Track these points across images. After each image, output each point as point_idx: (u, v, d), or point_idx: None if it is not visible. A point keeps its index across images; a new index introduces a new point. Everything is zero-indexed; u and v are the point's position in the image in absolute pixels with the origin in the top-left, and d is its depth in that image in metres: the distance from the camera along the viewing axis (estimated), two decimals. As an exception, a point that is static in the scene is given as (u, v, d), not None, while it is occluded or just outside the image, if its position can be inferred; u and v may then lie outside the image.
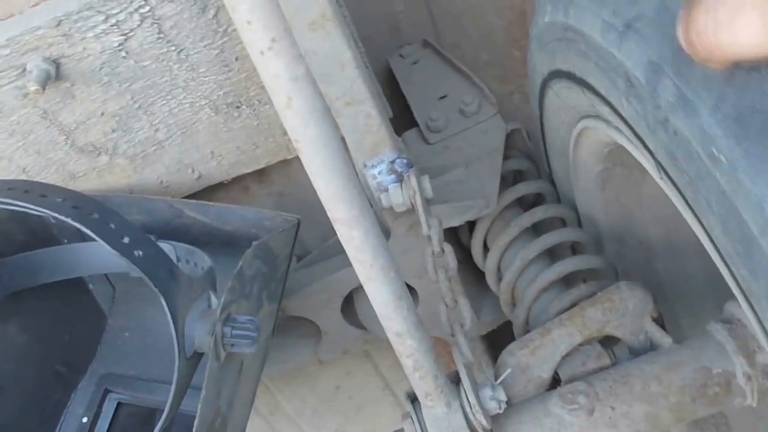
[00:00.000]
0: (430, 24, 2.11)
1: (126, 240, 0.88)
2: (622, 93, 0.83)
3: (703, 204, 0.74)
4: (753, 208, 0.62)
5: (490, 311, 1.56)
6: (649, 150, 0.83)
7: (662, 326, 1.18)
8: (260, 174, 1.44)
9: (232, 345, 0.94)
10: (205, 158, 1.32)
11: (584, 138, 1.18)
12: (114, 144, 1.27)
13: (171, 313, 0.89)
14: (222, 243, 1.27)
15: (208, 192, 1.42)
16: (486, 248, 1.49)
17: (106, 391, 1.34)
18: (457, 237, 1.57)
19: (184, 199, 1.28)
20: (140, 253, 0.89)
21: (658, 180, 0.87)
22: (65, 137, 1.24)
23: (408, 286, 1.51)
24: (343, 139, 1.22)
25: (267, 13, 0.74)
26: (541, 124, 1.37)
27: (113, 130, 1.25)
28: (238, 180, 1.42)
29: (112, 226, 0.88)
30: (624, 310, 1.16)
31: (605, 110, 0.93)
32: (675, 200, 0.84)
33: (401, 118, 1.74)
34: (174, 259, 1.22)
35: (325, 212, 0.87)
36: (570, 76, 1.02)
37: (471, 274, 1.58)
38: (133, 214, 1.30)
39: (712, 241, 0.78)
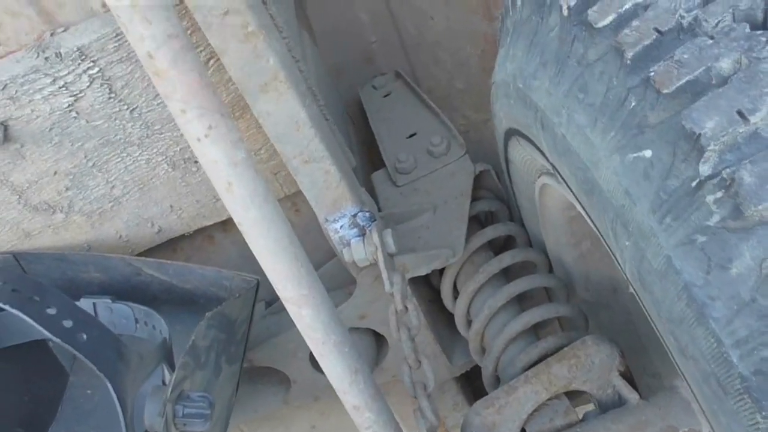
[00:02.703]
0: (403, 54, 2.09)
1: (68, 324, 0.85)
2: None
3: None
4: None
5: (462, 354, 1.54)
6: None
7: (630, 380, 1.17)
8: (224, 223, 1.41)
9: (185, 424, 0.92)
10: (164, 212, 1.30)
11: (547, 192, 1.16)
12: (69, 202, 1.24)
13: (118, 396, 0.86)
14: (182, 301, 1.24)
15: (172, 242, 1.40)
16: (456, 291, 1.47)
17: (68, 452, 1.31)
18: (428, 278, 1.55)
19: (143, 258, 1.26)
20: (84, 336, 0.86)
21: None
22: (18, 197, 1.21)
23: (377, 333, 1.50)
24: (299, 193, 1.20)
25: (201, 101, 0.72)
26: (508, 170, 1.35)
27: (67, 189, 1.22)
28: (201, 229, 1.40)
29: (53, 310, 0.85)
30: (590, 365, 1.14)
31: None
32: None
33: (375, 149, 1.72)
34: (132, 320, 1.20)
35: None
36: (523, 135, 1.00)
37: (443, 315, 1.56)
38: (91, 272, 1.27)
39: (632, 285, 0.77)
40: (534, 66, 0.84)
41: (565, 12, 0.77)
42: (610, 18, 0.68)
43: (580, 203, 0.81)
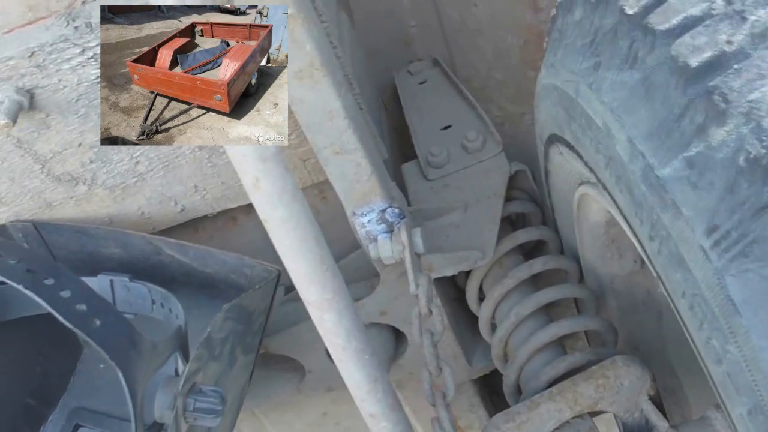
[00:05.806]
0: (443, 39, 2.02)
1: (82, 307, 0.82)
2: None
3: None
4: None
5: (483, 358, 1.50)
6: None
7: (659, 405, 1.11)
8: (248, 206, 1.37)
9: (195, 419, 0.89)
10: (188, 192, 1.26)
11: (587, 202, 1.10)
12: (92, 174, 1.21)
13: (128, 386, 0.83)
14: (202, 285, 1.21)
15: (194, 221, 1.36)
16: (482, 293, 1.42)
17: (77, 426, 1.29)
18: (453, 277, 1.50)
19: (164, 237, 1.22)
20: (98, 321, 0.83)
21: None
22: (41, 166, 1.18)
23: (398, 330, 1.46)
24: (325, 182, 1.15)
25: (234, 90, 0.67)
26: (546, 173, 1.29)
27: (91, 161, 1.19)
28: (225, 211, 1.36)
29: (67, 293, 0.82)
30: (619, 387, 1.09)
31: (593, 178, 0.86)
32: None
33: (407, 135, 1.66)
34: (149, 301, 1.17)
35: None
36: (566, 143, 0.94)
37: (466, 315, 1.51)
38: (110, 248, 1.24)
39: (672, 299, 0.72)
40: None
41: None
42: None
43: None
